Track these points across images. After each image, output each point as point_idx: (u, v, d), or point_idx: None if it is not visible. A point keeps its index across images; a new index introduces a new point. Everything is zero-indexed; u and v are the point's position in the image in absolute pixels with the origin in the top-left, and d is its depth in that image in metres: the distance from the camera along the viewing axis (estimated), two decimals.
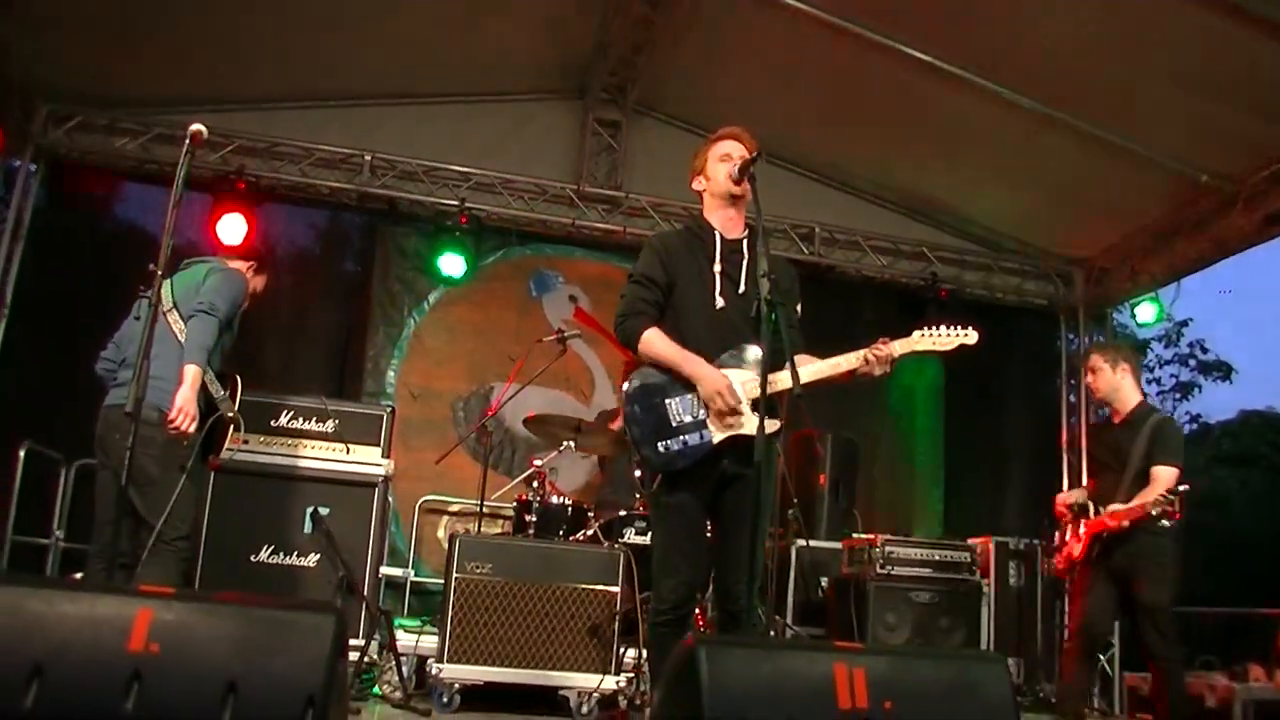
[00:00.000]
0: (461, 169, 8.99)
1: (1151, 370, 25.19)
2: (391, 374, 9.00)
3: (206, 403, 4.80)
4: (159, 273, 3.87)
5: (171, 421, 4.55)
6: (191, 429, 4.62)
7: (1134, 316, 10.03)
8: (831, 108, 8.80)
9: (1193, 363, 24.95)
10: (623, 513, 6.51)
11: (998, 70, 7.66)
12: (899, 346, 3.90)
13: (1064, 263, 10.29)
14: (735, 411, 3.79)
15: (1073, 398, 10.47)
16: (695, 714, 2.52)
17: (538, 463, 6.72)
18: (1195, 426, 26.23)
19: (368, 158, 8.81)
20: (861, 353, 3.86)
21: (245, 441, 5.94)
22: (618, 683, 5.73)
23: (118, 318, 5.17)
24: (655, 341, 3.93)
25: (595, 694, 5.65)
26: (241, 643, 2.44)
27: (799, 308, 4.18)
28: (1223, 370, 24.71)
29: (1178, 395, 25.39)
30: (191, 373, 4.63)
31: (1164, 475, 5.53)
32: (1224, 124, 7.57)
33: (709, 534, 4.03)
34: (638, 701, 5.51)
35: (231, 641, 2.44)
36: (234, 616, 2.51)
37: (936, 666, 2.84)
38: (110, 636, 2.38)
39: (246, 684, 2.37)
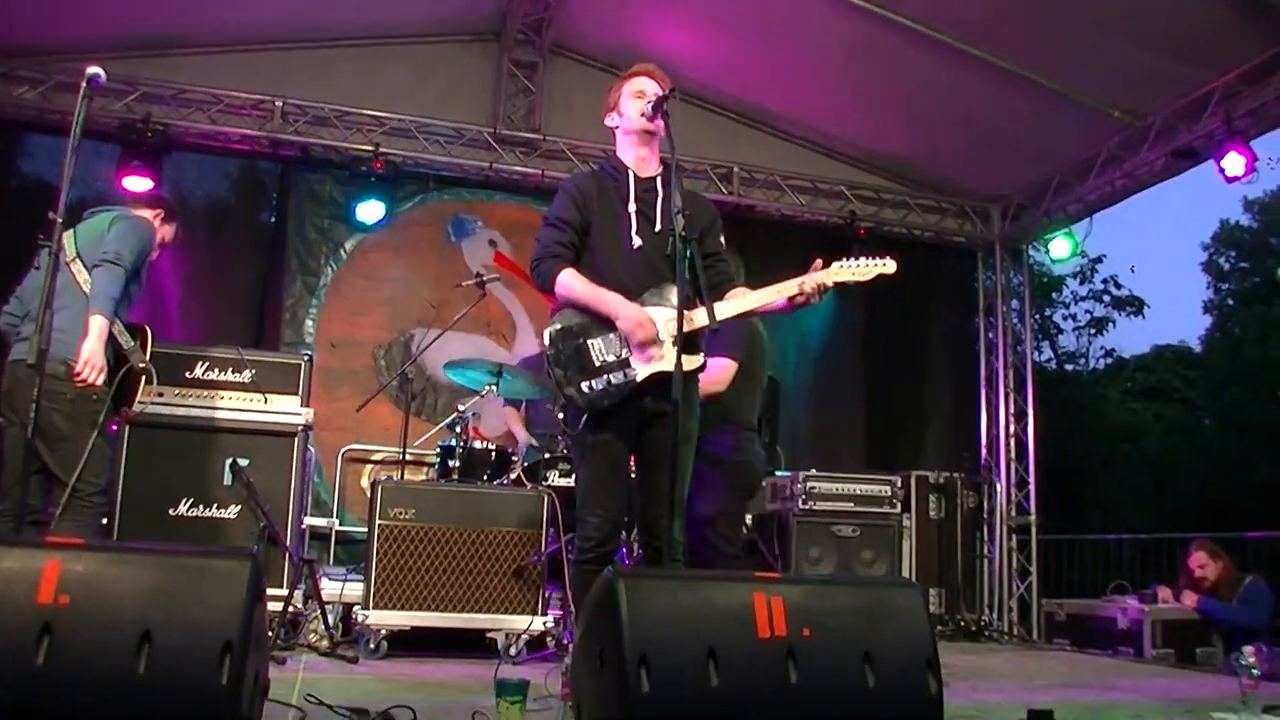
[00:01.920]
0: (375, 113, 8.83)
1: (1067, 306, 25.69)
2: (310, 324, 8.88)
3: (115, 355, 4.70)
4: (59, 221, 3.75)
5: (78, 374, 4.44)
6: (99, 381, 4.52)
7: (1048, 252, 10.18)
8: (750, 47, 8.77)
9: (1106, 298, 25.44)
10: (547, 455, 6.50)
11: (915, 7, 7.68)
12: (821, 277, 3.92)
13: (981, 200, 10.41)
14: (657, 341, 3.81)
15: (991, 334, 10.64)
16: (617, 646, 2.54)
17: (460, 408, 6.68)
18: (1110, 361, 26.85)
19: (278, 103, 8.61)
20: (795, 281, 3.87)
21: (160, 394, 5.81)
22: (545, 623, 5.76)
23: (21, 272, 5.03)
24: (570, 282, 3.92)
25: (524, 635, 5.67)
26: (155, 591, 2.41)
27: (723, 240, 4.19)
28: (1135, 305, 25.22)
29: (1092, 331, 25.91)
30: (98, 324, 4.51)
31: (712, 366, 5.16)
32: (1135, 60, 7.70)
33: (631, 473, 4.05)
34: (565, 641, 5.55)
35: (144, 591, 2.41)
36: (146, 565, 2.48)
37: (854, 594, 2.89)
38: (18, 590, 2.34)
39: (161, 633, 2.34)
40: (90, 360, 4.45)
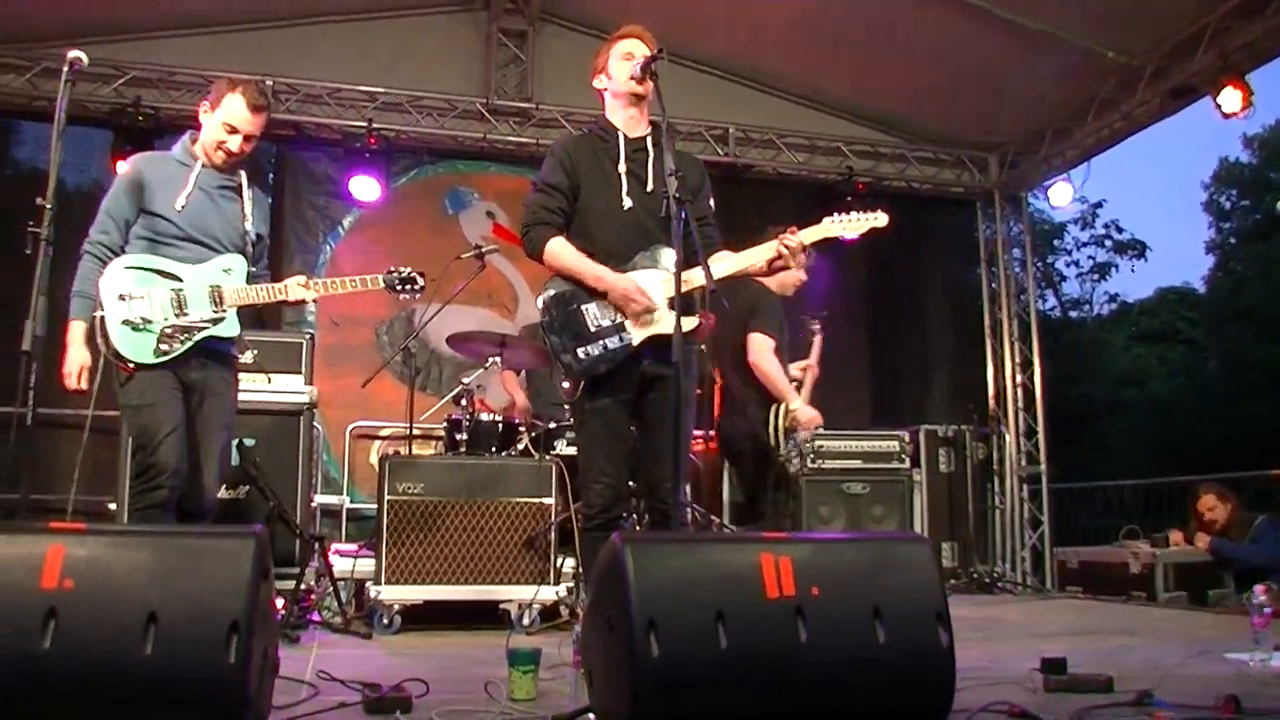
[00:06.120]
0: (366, 89, 8.78)
1: (1070, 253, 25.60)
2: (311, 302, 8.84)
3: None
4: (49, 208, 3.71)
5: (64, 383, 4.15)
6: (83, 384, 4.19)
7: (1049, 199, 10.13)
8: (740, 6, 8.69)
9: (1109, 243, 25.35)
10: (553, 425, 6.49)
11: None
12: (809, 234, 3.90)
13: (978, 149, 10.34)
14: (651, 309, 3.79)
15: (994, 284, 10.60)
16: (624, 612, 2.53)
17: (465, 381, 6.67)
18: (1115, 306, 26.78)
19: (269, 82, 8.50)
20: (773, 243, 3.86)
21: None
22: (557, 593, 5.76)
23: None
24: (560, 253, 3.89)
25: (535, 605, 5.68)
26: (159, 573, 2.41)
27: (711, 201, 4.16)
28: (1138, 249, 25.14)
29: (1095, 276, 25.82)
30: (72, 330, 4.17)
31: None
32: (1128, 0, 7.62)
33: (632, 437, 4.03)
34: (578, 610, 5.55)
35: (148, 572, 2.40)
36: (149, 547, 2.48)
37: (861, 550, 2.88)
38: (22, 575, 2.34)
39: (167, 614, 2.34)
40: (67, 370, 4.16)
